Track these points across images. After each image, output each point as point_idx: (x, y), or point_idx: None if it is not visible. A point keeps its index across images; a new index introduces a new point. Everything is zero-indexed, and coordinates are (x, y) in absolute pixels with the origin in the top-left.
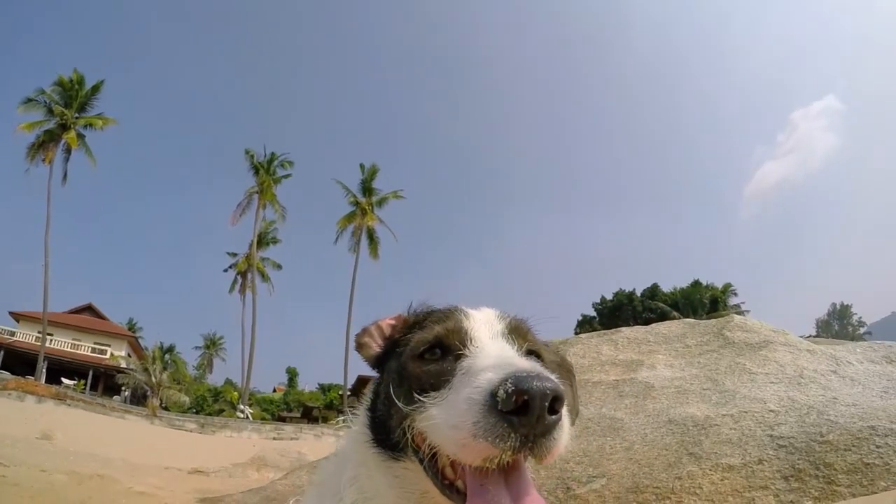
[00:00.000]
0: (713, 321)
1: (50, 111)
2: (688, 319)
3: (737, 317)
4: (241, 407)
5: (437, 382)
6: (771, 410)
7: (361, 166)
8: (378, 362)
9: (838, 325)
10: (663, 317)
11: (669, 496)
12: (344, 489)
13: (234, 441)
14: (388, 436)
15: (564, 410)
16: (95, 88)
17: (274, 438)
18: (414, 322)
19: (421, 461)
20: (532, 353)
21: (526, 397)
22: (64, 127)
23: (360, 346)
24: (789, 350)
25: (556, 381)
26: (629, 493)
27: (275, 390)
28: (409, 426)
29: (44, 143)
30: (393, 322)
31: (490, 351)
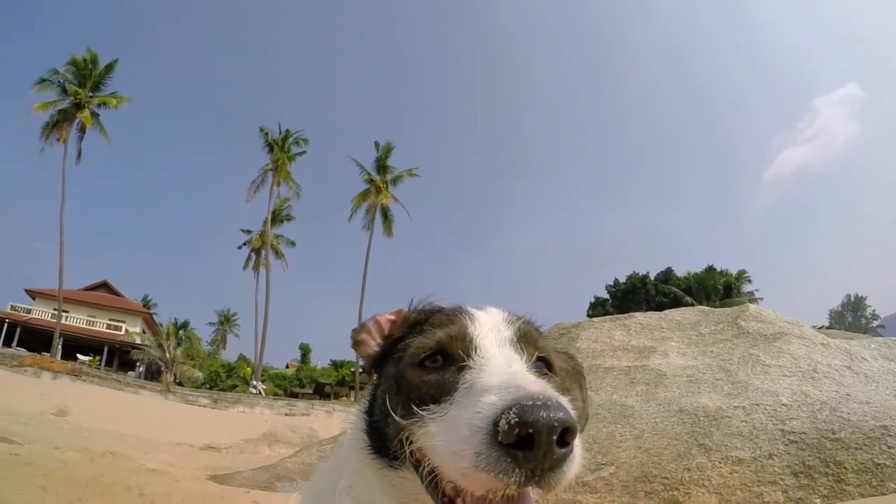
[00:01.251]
0: (728, 310)
1: (64, 91)
2: (702, 307)
3: (752, 306)
4: (254, 383)
5: (437, 395)
6: (783, 404)
7: (376, 144)
8: (376, 363)
9: (852, 316)
10: (676, 301)
11: (678, 487)
12: (339, 498)
13: (246, 416)
14: (386, 444)
15: (577, 440)
16: (109, 67)
17: (286, 414)
18: (415, 321)
19: (421, 477)
20: (542, 360)
21: (531, 430)
22: (78, 106)
23: (356, 344)
24: (804, 343)
25: (567, 408)
26: (637, 482)
27: (287, 366)
28: (406, 439)
29: (58, 123)
30: (392, 318)
31: (496, 364)
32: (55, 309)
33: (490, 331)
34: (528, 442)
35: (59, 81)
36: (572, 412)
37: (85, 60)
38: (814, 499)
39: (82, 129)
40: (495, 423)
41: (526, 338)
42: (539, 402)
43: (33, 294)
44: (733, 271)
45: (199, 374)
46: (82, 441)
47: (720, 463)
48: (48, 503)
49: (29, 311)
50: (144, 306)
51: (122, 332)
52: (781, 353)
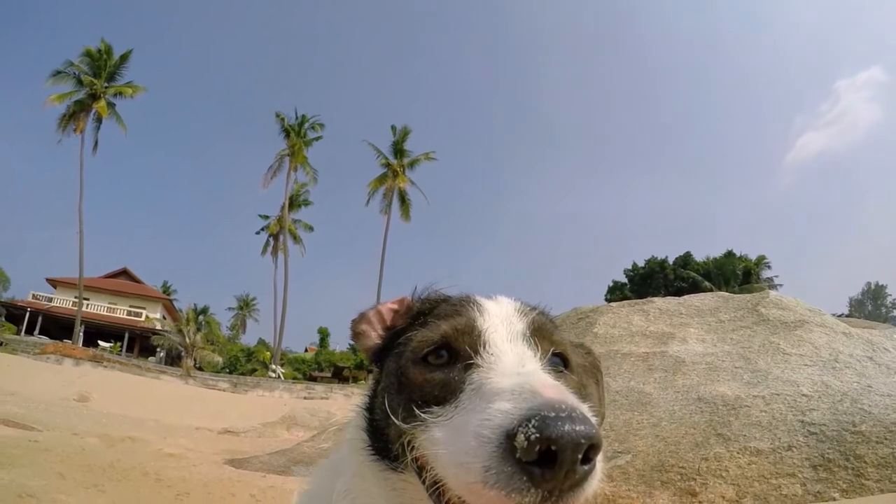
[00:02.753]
0: (748, 296)
1: (79, 82)
2: (721, 292)
3: (772, 293)
4: (273, 367)
5: (441, 396)
6: (803, 395)
7: (393, 128)
8: (377, 357)
9: (872, 305)
10: (695, 287)
11: (695, 477)
12: (336, 502)
13: (265, 400)
14: (387, 445)
15: (600, 456)
16: (124, 58)
17: (305, 398)
18: (419, 311)
19: (425, 485)
20: (557, 356)
21: (553, 447)
22: (94, 97)
23: (356, 336)
24: (825, 332)
25: (591, 420)
26: (654, 471)
27: (306, 350)
28: (408, 444)
29: (74, 114)
30: (395, 307)
31: (507, 362)
32: (76, 297)
33: (500, 323)
34: (548, 458)
35: (74, 73)
36: (595, 422)
37: (99, 51)
38: (832, 493)
39: (98, 120)
40: (509, 436)
41: (540, 331)
42: (562, 414)
43: (54, 283)
44: (752, 257)
45: (219, 359)
46: (101, 427)
47: (738, 453)
48: (65, 489)
49: (50, 300)
50: (164, 292)
51: (143, 319)
52: (802, 342)
